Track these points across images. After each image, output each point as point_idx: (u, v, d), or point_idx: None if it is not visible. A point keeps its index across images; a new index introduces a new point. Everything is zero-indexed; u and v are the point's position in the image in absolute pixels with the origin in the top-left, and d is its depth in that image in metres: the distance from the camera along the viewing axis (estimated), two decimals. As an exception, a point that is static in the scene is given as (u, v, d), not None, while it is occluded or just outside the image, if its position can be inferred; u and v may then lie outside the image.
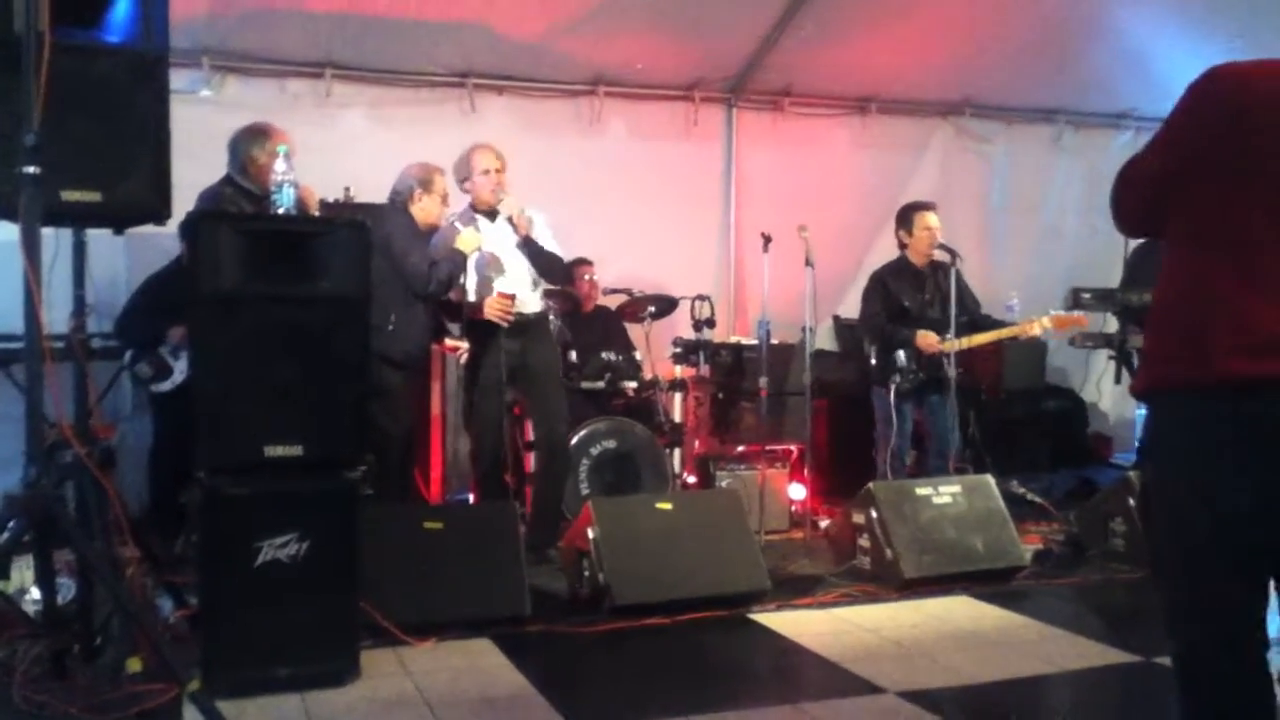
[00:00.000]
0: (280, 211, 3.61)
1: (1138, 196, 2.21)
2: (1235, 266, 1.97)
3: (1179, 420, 2.08)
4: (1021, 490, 6.12)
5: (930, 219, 5.81)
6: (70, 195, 3.25)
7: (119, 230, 3.64)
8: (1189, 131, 2.06)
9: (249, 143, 4.66)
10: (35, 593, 3.66)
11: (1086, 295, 5.91)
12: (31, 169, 3.06)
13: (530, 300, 5.17)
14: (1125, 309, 6.07)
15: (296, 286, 3.47)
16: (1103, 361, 7.02)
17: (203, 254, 3.39)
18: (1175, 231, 2.12)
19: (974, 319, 5.80)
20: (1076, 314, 5.74)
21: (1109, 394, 7.90)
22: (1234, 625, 2.08)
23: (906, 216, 5.89)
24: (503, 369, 4.99)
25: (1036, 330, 5.64)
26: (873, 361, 5.86)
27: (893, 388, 5.68)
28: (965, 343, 5.67)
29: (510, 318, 5.01)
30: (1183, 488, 2.07)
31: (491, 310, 5.00)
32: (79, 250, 3.60)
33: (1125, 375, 6.37)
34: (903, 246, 5.90)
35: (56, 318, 3.43)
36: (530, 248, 5.07)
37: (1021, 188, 7.88)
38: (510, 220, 5.02)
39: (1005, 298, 5.98)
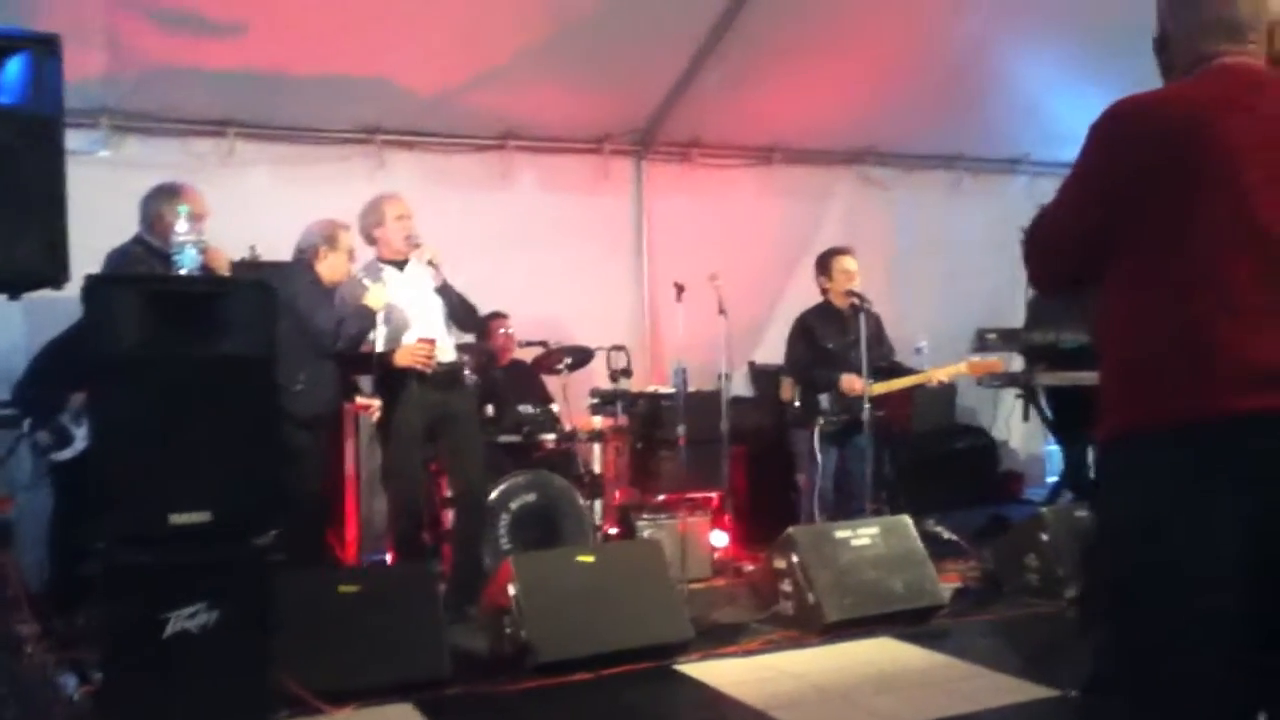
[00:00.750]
0: (182, 273, 3.54)
1: (1064, 260, 2.07)
2: (1205, 296, 1.82)
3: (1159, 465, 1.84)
4: (938, 529, 6.20)
5: (848, 263, 5.97)
6: (-39, 261, 3.14)
7: (14, 296, 3.52)
8: (1115, 173, 1.93)
9: (157, 200, 4.60)
10: (-73, 676, 3.48)
11: (992, 335, 6.06)
12: (-81, 235, 2.95)
13: (448, 348, 5.14)
14: (1030, 348, 6.22)
15: (200, 348, 3.39)
16: (1011, 400, 7.19)
17: (100, 317, 3.30)
18: (1120, 275, 1.94)
19: (890, 366, 5.94)
20: (992, 359, 5.89)
21: (1018, 431, 8.08)
22: None
23: (825, 262, 6.03)
24: (418, 422, 4.93)
25: (944, 377, 5.80)
26: (796, 404, 5.93)
27: (816, 429, 5.76)
28: (885, 387, 5.78)
29: (431, 364, 4.96)
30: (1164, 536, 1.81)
31: (413, 356, 4.93)
32: (-28, 317, 3.48)
33: (1033, 412, 6.52)
34: (824, 291, 6.02)
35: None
36: (448, 294, 5.05)
37: (924, 232, 8.07)
38: (431, 262, 4.99)
39: (914, 340, 6.11)
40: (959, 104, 7.23)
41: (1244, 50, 1.96)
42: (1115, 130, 1.94)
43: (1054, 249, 2.08)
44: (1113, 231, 1.93)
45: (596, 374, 6.46)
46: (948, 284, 8.05)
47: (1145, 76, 2.11)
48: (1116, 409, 1.93)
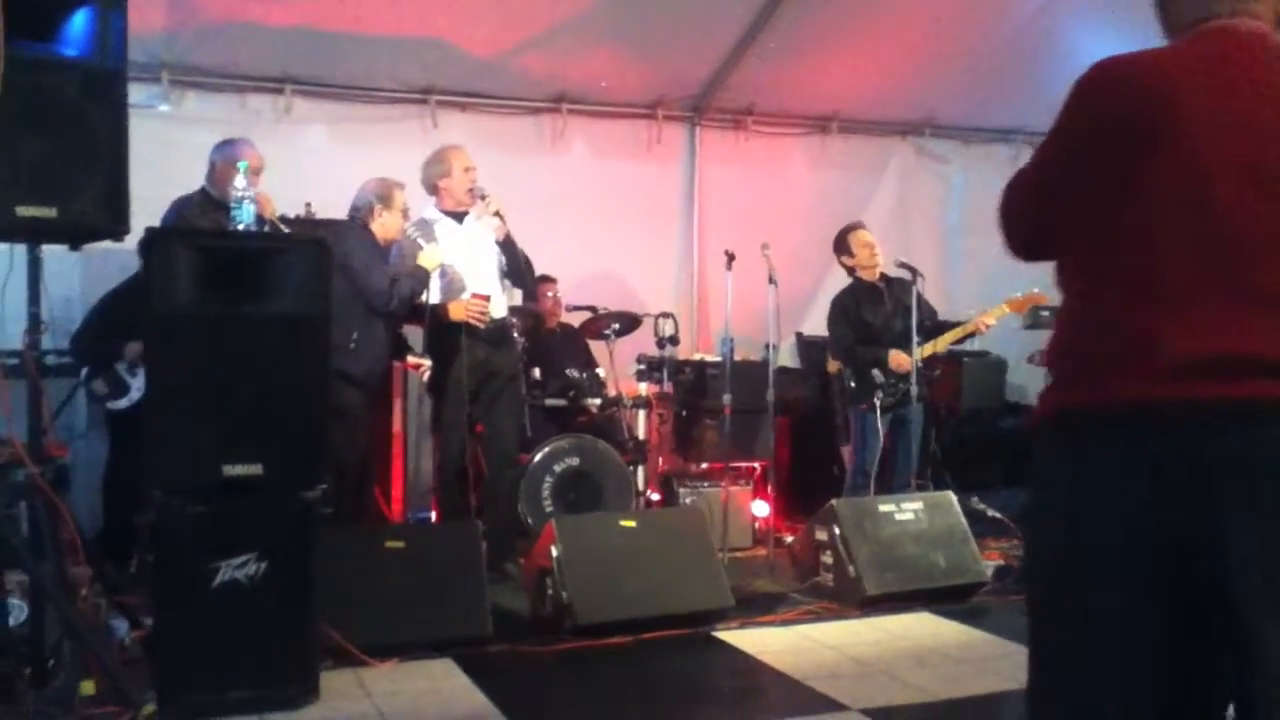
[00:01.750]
0: (240, 227, 3.58)
1: (1024, 220, 1.96)
2: (1141, 278, 1.73)
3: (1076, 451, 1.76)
4: (981, 506, 6.16)
5: (864, 235, 5.93)
6: (25, 211, 3.20)
7: (75, 246, 3.59)
8: (1077, 131, 1.82)
9: (217, 152, 4.75)
10: (-15, 615, 3.58)
11: (1045, 314, 5.98)
12: (-15, 184, 3.01)
13: (500, 305, 5.18)
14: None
15: (255, 305, 3.44)
16: (1060, 379, 7.09)
17: (158, 272, 3.35)
18: (1068, 246, 1.86)
19: (933, 327, 5.89)
20: (1034, 291, 5.79)
21: (1066, 411, 7.97)
22: None
23: (842, 242, 5.98)
24: (469, 379, 4.99)
25: (991, 321, 5.73)
26: (850, 383, 5.90)
27: (877, 404, 5.72)
28: (931, 348, 5.74)
29: (485, 320, 5.02)
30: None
31: (467, 311, 4.99)
32: (34, 266, 3.54)
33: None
34: (851, 270, 5.97)
35: (10, 334, 3.38)
36: (510, 248, 5.09)
37: (979, 207, 7.94)
38: (498, 214, 5.04)
39: (964, 317, 6.04)
40: (1019, 76, 7.09)
41: (1247, 9, 1.77)
42: (1087, 88, 1.80)
43: (1017, 209, 1.97)
44: (1067, 195, 1.83)
45: (643, 340, 6.45)
46: (1001, 261, 7.89)
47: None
48: (1052, 387, 1.85)
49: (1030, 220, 1.94)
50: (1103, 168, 1.76)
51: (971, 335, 5.91)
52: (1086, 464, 1.73)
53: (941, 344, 5.83)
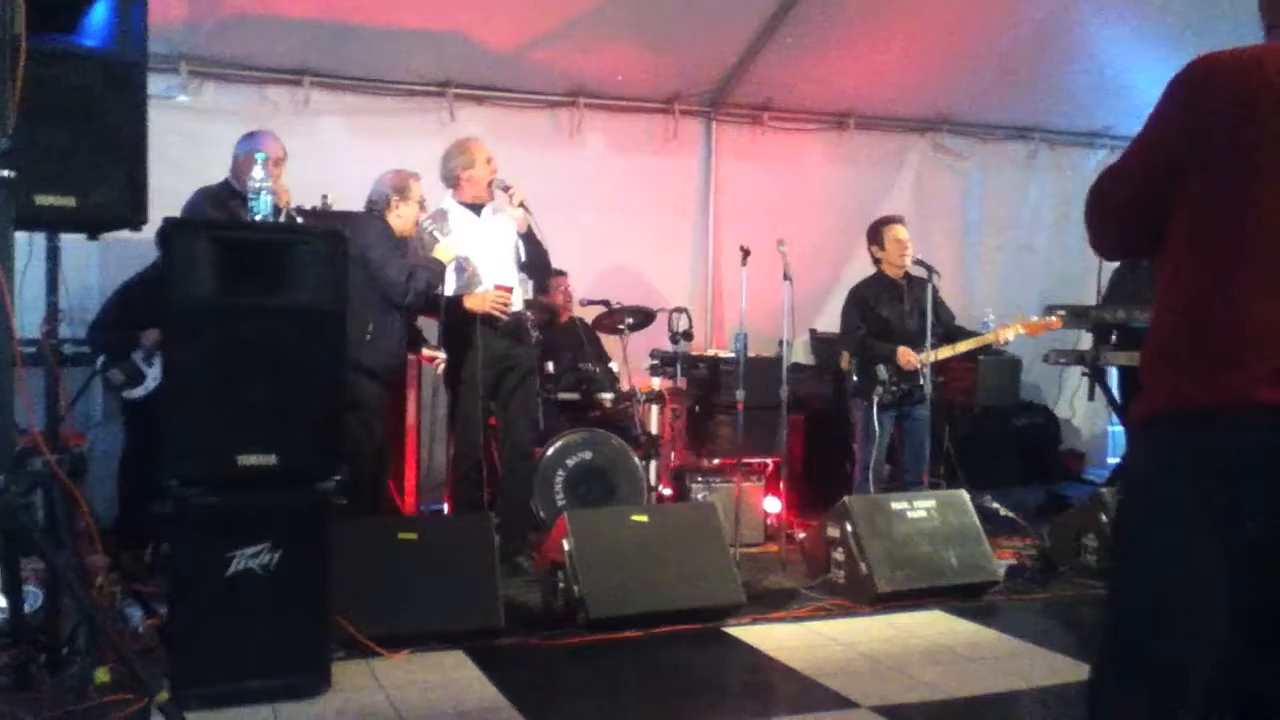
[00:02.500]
0: (256, 219, 3.59)
1: (1118, 219, 1.95)
2: (1245, 276, 1.72)
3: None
4: (995, 505, 6.15)
5: (899, 231, 5.89)
6: (44, 200, 3.23)
7: (93, 236, 3.62)
8: (1189, 121, 1.80)
9: (239, 144, 4.78)
10: (1, 602, 3.61)
11: (1060, 312, 5.96)
12: (5, 173, 3.04)
13: (518, 298, 5.20)
14: (1099, 326, 6.12)
15: (272, 297, 3.44)
16: (1076, 378, 7.07)
17: (177, 262, 3.36)
18: (1169, 245, 1.84)
19: (949, 331, 5.88)
20: (1050, 318, 5.80)
21: (1082, 410, 7.95)
22: None
23: (876, 232, 5.97)
24: (486, 372, 5.00)
25: (1009, 336, 5.73)
26: (854, 376, 5.90)
27: (875, 400, 5.73)
28: (943, 353, 5.74)
29: (507, 313, 5.03)
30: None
31: (490, 303, 5.00)
32: (52, 255, 3.58)
33: (1097, 392, 6.42)
34: (877, 261, 5.96)
35: (28, 322, 3.40)
36: (531, 241, 5.11)
37: (996, 205, 7.94)
38: (522, 205, 5.06)
39: (980, 314, 6.03)
40: (1038, 74, 7.07)
41: None
42: (1187, 87, 1.80)
43: (1111, 207, 1.95)
44: (1169, 193, 1.81)
45: (657, 335, 6.46)
46: (1018, 258, 7.93)
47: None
48: (1149, 389, 1.83)
49: (1123, 227, 1.93)
50: (1207, 167, 1.76)
51: (988, 346, 5.90)
52: (1173, 469, 1.75)
53: (959, 349, 5.83)
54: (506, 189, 5.09)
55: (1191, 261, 1.80)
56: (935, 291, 5.70)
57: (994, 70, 6.94)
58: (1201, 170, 1.78)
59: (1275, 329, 1.69)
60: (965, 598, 4.81)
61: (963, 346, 5.84)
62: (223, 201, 4.76)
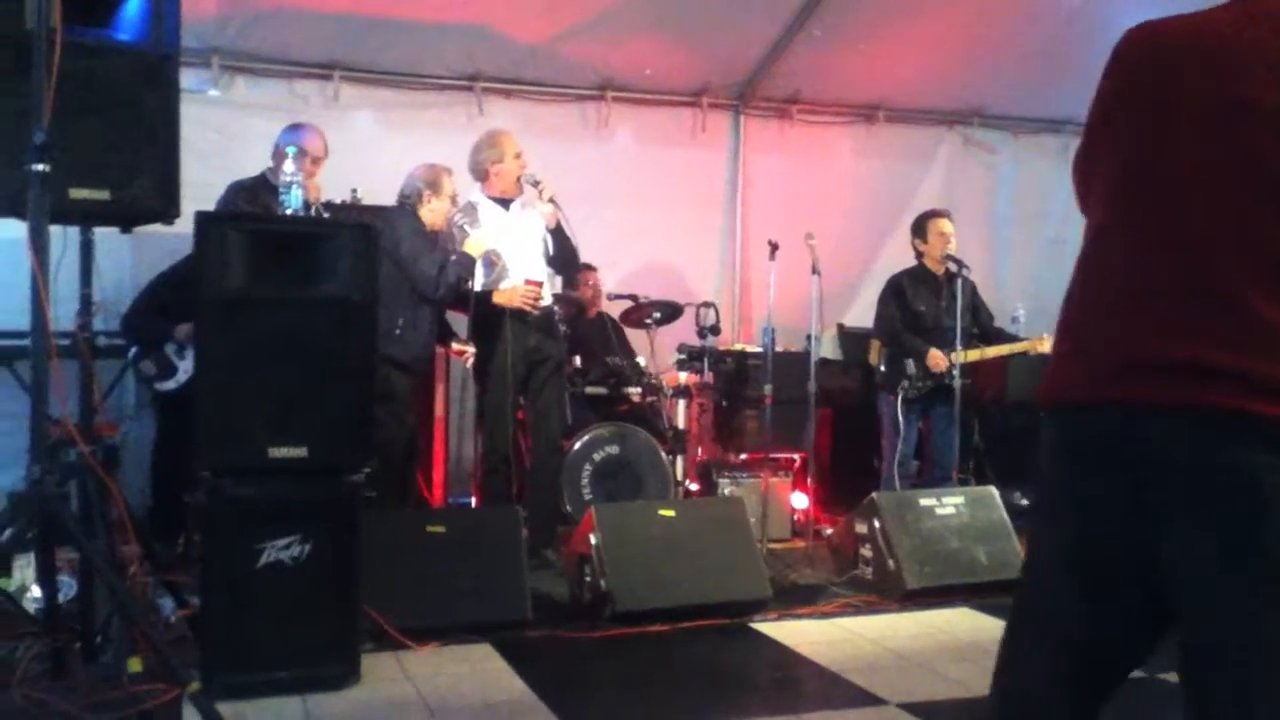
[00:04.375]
0: (288, 212, 3.61)
1: (1074, 164, 1.86)
2: (1113, 268, 1.67)
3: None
4: (1024, 501, 6.09)
5: (944, 225, 5.87)
6: (78, 193, 3.26)
7: (126, 229, 3.64)
8: (1100, 98, 1.77)
9: (282, 135, 4.83)
10: (36, 591, 3.66)
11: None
12: (40, 167, 3.06)
13: (547, 292, 5.21)
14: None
15: (303, 289, 3.47)
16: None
17: (210, 255, 3.38)
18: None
19: (985, 331, 5.85)
20: None
21: (1113, 406, 7.87)
22: None
23: (921, 224, 5.96)
24: (515, 365, 5.02)
25: (1045, 349, 5.69)
26: (881, 368, 5.89)
27: (900, 394, 5.71)
28: (972, 356, 5.70)
29: (537, 307, 5.04)
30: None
31: (521, 297, 5.01)
32: (86, 248, 3.60)
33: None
34: (919, 255, 5.94)
35: (62, 315, 3.43)
36: (560, 235, 5.11)
37: (1028, 198, 7.86)
38: (552, 200, 5.06)
39: (1011, 308, 5.98)
40: (1071, 65, 6.95)
41: None
42: (1116, 52, 1.74)
43: (1073, 168, 1.87)
44: (1090, 163, 1.76)
45: (684, 329, 6.45)
46: (1050, 253, 7.83)
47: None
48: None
49: (1077, 167, 1.85)
50: (1109, 139, 1.72)
51: (1017, 354, 5.86)
52: (1046, 462, 1.76)
53: (990, 353, 5.79)
54: (536, 184, 5.09)
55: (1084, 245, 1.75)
56: (973, 289, 5.67)
57: (1027, 61, 6.86)
58: (1098, 138, 1.75)
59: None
60: (994, 594, 4.77)
61: (993, 351, 5.81)
62: (256, 194, 4.80)
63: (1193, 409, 1.49)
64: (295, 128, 4.99)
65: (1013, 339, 5.82)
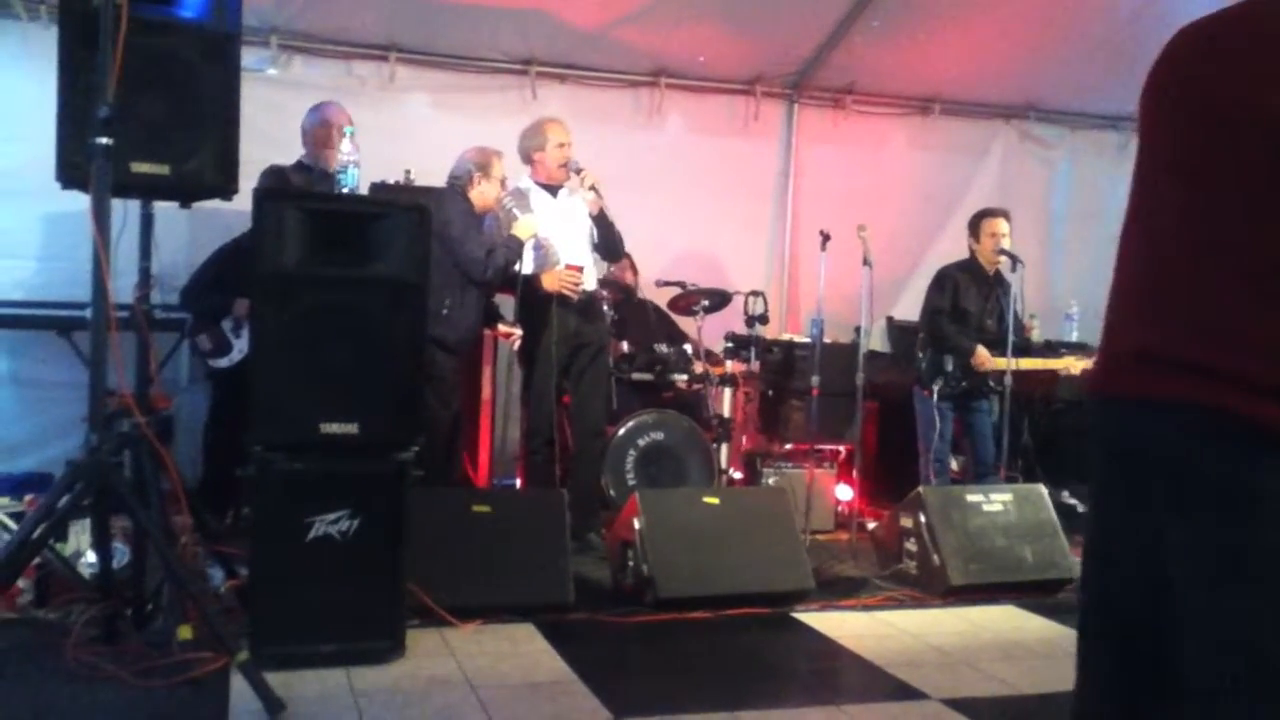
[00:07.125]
0: (344, 192, 3.64)
1: None
2: (1134, 259, 1.72)
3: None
4: (1073, 501, 6.04)
5: (997, 225, 5.81)
6: (140, 168, 3.32)
7: (185, 204, 3.70)
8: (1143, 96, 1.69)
9: (308, 115, 4.86)
10: (91, 557, 3.73)
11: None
12: (103, 141, 3.11)
13: (591, 277, 5.23)
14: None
15: (356, 268, 3.50)
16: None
17: (266, 232, 3.42)
18: None
19: (1025, 343, 5.80)
20: None
21: (1165, 407, 7.76)
22: None
23: (975, 223, 5.93)
24: (560, 349, 5.04)
25: (1077, 371, 5.65)
26: (922, 363, 5.84)
27: (935, 390, 5.67)
28: (1013, 364, 5.61)
29: (578, 292, 5.06)
30: None
31: (561, 282, 5.04)
32: (146, 222, 3.66)
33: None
34: (972, 252, 5.90)
35: (121, 287, 3.49)
36: (603, 222, 5.12)
37: (1084, 195, 7.74)
38: (594, 188, 5.08)
39: (1065, 306, 5.91)
40: (1132, 60, 6.83)
41: None
42: (1165, 50, 1.65)
43: None
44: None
45: (732, 318, 6.43)
46: (1105, 250, 7.65)
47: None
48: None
49: None
50: (1145, 136, 1.70)
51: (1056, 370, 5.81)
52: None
53: (1024, 365, 5.72)
54: (579, 171, 5.11)
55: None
56: (1016, 298, 5.61)
57: (1086, 56, 6.75)
58: (1149, 124, 1.69)
59: None
60: (1039, 593, 4.73)
61: (1034, 364, 5.77)
62: (287, 179, 4.83)
63: (1181, 406, 1.51)
64: (318, 106, 5.04)
65: (1041, 353, 5.78)
